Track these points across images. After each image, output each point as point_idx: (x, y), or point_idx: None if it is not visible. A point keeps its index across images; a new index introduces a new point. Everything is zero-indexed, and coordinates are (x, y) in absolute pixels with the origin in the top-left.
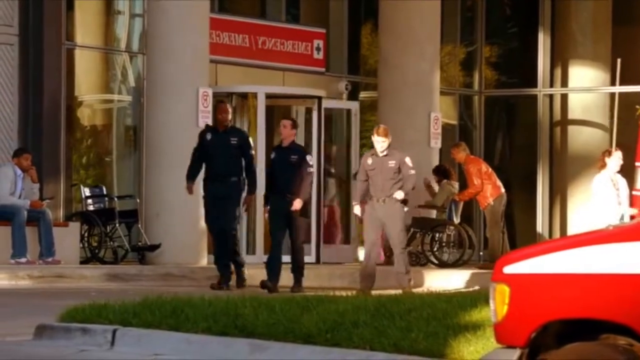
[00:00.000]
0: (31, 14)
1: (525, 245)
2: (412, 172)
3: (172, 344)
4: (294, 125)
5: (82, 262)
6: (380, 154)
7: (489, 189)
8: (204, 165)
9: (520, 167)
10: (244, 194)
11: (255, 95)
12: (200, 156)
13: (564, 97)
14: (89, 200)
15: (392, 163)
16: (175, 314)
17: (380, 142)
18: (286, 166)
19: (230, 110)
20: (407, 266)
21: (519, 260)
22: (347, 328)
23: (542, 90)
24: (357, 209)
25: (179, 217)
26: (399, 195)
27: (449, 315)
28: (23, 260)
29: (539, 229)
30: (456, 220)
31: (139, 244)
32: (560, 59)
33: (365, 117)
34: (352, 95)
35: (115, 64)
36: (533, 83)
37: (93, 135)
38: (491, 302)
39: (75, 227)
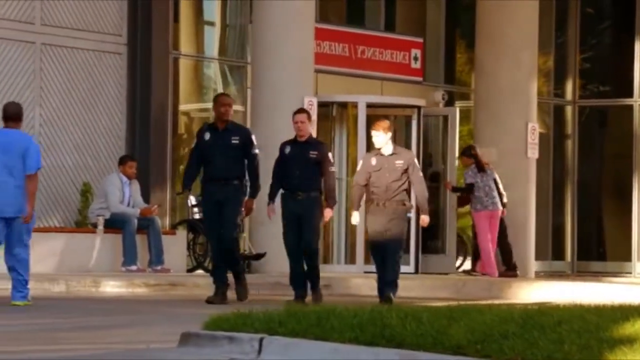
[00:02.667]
0: (139, 24)
1: (619, 255)
2: (421, 174)
3: (320, 353)
4: (310, 118)
5: (188, 271)
6: (386, 153)
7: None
8: (201, 169)
9: (615, 177)
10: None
11: (354, 104)
12: (197, 158)
13: None
14: (195, 209)
15: (399, 163)
16: (321, 323)
17: (376, 137)
18: (303, 163)
19: (232, 103)
20: (397, 276)
21: None
22: (496, 339)
23: (638, 100)
24: (356, 217)
25: None
26: (425, 220)
27: (602, 328)
28: (134, 268)
29: (633, 239)
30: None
31: (244, 252)
32: None
33: (460, 126)
34: (448, 105)
35: (218, 73)
36: (629, 93)
37: None
38: None
39: (182, 235)
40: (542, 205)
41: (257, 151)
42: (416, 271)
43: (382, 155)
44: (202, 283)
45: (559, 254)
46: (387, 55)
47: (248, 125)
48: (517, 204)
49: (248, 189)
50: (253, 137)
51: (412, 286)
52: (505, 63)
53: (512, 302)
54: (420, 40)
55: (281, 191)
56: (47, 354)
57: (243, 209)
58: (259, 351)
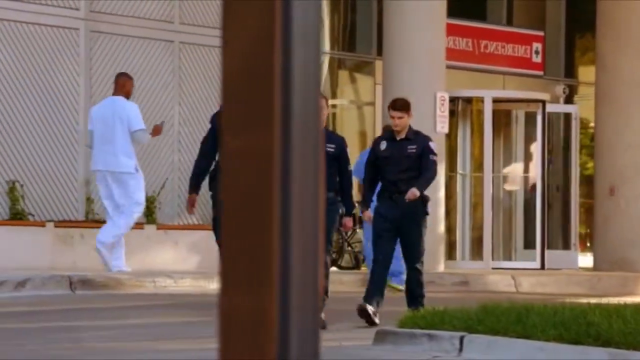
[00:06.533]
0: None
1: None
2: (434, 158)
3: (523, 351)
4: (327, 104)
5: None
6: (398, 137)
7: None
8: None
9: None
10: None
11: (479, 99)
12: (209, 148)
13: None
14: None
15: (412, 148)
16: (521, 321)
17: (400, 119)
18: None
19: None
20: (424, 288)
21: None
22: None
23: None
24: (368, 216)
25: None
26: (414, 192)
27: None
28: None
29: None
30: None
31: None
32: None
33: (583, 121)
34: (568, 99)
35: (345, 69)
36: None
37: None
38: None
39: None
40: None
41: None
42: (542, 267)
43: (394, 139)
44: (347, 280)
45: None
46: (509, 50)
47: (378, 122)
48: None
49: None
50: None
51: (546, 282)
52: (628, 56)
53: None
54: (541, 33)
55: None
56: None
57: None
58: (460, 349)
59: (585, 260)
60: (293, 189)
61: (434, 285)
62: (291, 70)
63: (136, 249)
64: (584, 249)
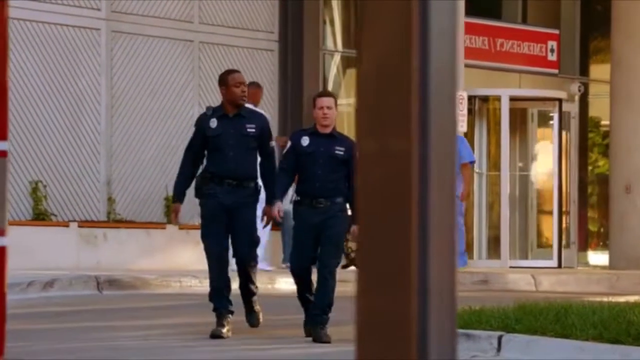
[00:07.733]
0: (290, 21)
1: None
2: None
3: (562, 351)
4: (336, 105)
5: (342, 267)
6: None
7: None
8: (203, 165)
9: None
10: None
11: (495, 98)
12: (195, 154)
13: None
14: None
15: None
16: (560, 320)
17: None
18: (327, 161)
19: (246, 83)
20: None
21: None
22: None
23: None
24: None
25: None
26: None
27: None
28: None
29: None
30: None
31: None
32: None
33: (595, 119)
34: (583, 97)
35: None
36: None
37: None
38: None
39: None
40: None
41: (274, 144)
42: (559, 265)
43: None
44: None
45: None
46: (524, 48)
47: None
48: None
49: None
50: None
51: (566, 281)
52: None
53: None
54: (557, 32)
55: (294, 197)
56: (277, 351)
57: (263, 218)
58: (498, 349)
59: (596, 258)
60: (431, 192)
61: None
62: (428, 73)
63: (159, 249)
64: (595, 247)
